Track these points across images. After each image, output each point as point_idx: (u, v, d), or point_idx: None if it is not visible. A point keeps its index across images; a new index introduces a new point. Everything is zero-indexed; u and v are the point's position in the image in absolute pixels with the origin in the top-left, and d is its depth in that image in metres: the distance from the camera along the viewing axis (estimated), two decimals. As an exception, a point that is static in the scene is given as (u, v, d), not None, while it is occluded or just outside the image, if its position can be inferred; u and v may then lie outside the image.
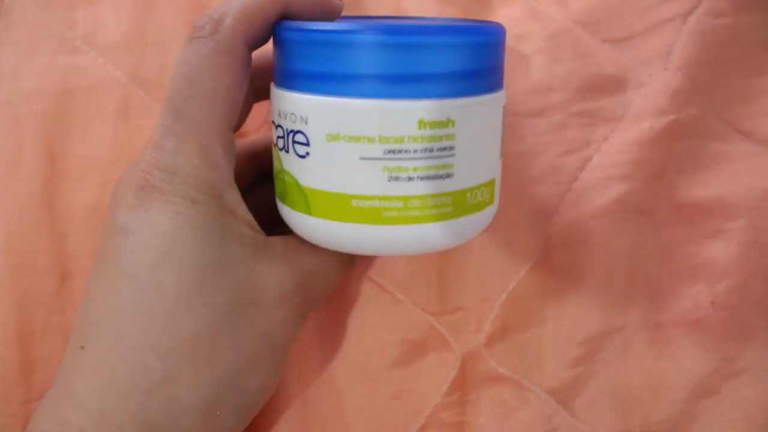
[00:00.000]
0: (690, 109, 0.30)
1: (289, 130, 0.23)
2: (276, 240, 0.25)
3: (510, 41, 0.31)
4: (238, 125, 0.26)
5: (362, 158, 0.21)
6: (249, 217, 0.24)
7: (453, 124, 0.22)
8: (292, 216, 0.24)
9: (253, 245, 0.23)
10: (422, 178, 0.22)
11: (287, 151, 0.23)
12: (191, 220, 0.22)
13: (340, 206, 0.22)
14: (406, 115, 0.21)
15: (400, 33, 0.21)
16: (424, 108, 0.21)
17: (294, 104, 0.22)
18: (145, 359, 0.21)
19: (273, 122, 0.24)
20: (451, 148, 0.22)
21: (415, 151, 0.21)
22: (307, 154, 0.22)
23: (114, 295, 0.22)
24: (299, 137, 0.22)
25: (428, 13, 0.32)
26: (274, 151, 0.24)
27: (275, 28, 0.23)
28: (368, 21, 0.24)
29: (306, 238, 0.24)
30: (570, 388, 0.29)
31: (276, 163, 0.24)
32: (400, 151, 0.21)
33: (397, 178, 0.22)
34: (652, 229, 0.30)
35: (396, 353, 0.29)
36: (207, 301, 0.22)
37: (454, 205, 0.23)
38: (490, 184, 0.24)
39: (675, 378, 0.29)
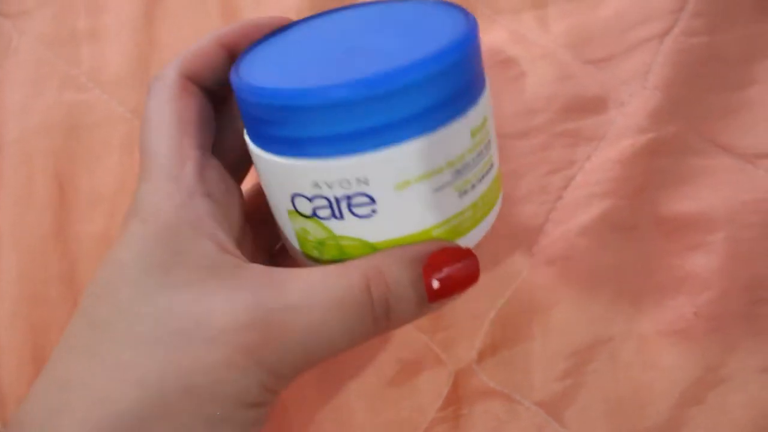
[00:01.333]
0: (669, 126, 0.31)
1: (341, 196, 0.21)
2: (257, 267, 0.21)
3: (495, 66, 0.33)
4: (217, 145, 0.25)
5: (436, 190, 0.21)
6: (219, 233, 0.21)
7: (487, 120, 0.22)
8: None
9: (213, 268, 0.20)
10: (481, 179, 0.22)
11: (340, 218, 0.21)
12: (137, 243, 0.20)
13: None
14: (461, 132, 0.21)
15: (449, 53, 0.20)
16: (472, 117, 0.21)
17: (344, 169, 0.20)
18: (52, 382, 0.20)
19: (300, 195, 0.21)
20: (489, 143, 0.22)
21: (473, 159, 0.22)
22: (374, 212, 0.21)
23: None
24: (359, 199, 0.21)
25: None
26: (311, 222, 0.22)
27: (287, 95, 0.20)
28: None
29: None
30: (560, 400, 0.30)
31: (316, 233, 0.22)
32: (464, 167, 0.21)
33: (465, 192, 0.22)
34: (635, 243, 0.31)
35: (392, 372, 0.30)
36: (129, 331, 0.19)
37: (495, 190, 0.24)
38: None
39: (662, 387, 0.30)
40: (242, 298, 0.19)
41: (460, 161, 0.21)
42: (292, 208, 0.22)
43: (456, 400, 0.30)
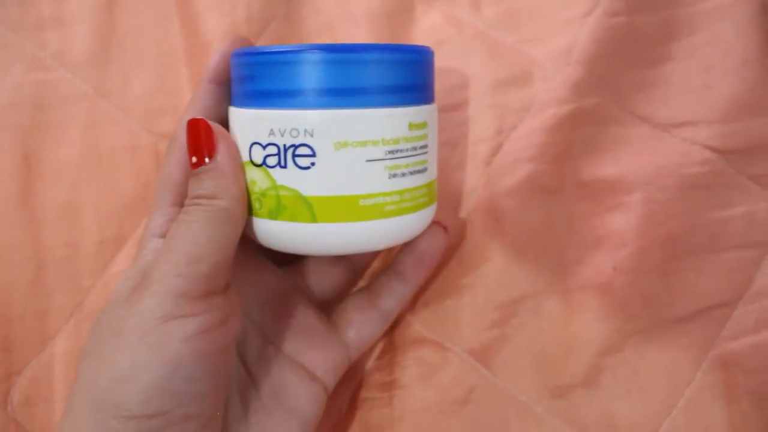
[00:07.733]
0: (590, 98, 0.34)
1: (288, 145, 0.25)
2: None
3: (431, 46, 0.35)
4: None
5: (368, 160, 0.25)
6: None
7: (426, 126, 0.27)
8: (290, 229, 0.25)
9: None
10: (412, 173, 0.26)
11: (284, 166, 0.25)
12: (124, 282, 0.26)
13: (347, 208, 0.25)
14: (400, 120, 0.25)
15: (399, 51, 0.26)
16: (412, 113, 0.26)
17: (296, 120, 0.24)
18: None
19: (256, 143, 0.25)
20: (425, 147, 0.27)
21: (407, 149, 0.26)
22: (312, 164, 0.25)
23: None
24: (303, 150, 0.25)
25: (359, 25, 0.36)
26: (259, 171, 0.25)
27: (254, 51, 0.26)
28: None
29: (305, 249, 0.26)
30: (489, 349, 0.32)
31: (261, 183, 0.26)
32: (397, 151, 0.25)
33: (395, 175, 0.25)
34: (559, 205, 0.33)
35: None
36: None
37: (427, 196, 0.28)
38: (435, 180, 0.29)
39: (584, 338, 0.32)
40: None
41: (394, 143, 0.25)
42: (248, 158, 0.26)
43: (391, 348, 0.32)
